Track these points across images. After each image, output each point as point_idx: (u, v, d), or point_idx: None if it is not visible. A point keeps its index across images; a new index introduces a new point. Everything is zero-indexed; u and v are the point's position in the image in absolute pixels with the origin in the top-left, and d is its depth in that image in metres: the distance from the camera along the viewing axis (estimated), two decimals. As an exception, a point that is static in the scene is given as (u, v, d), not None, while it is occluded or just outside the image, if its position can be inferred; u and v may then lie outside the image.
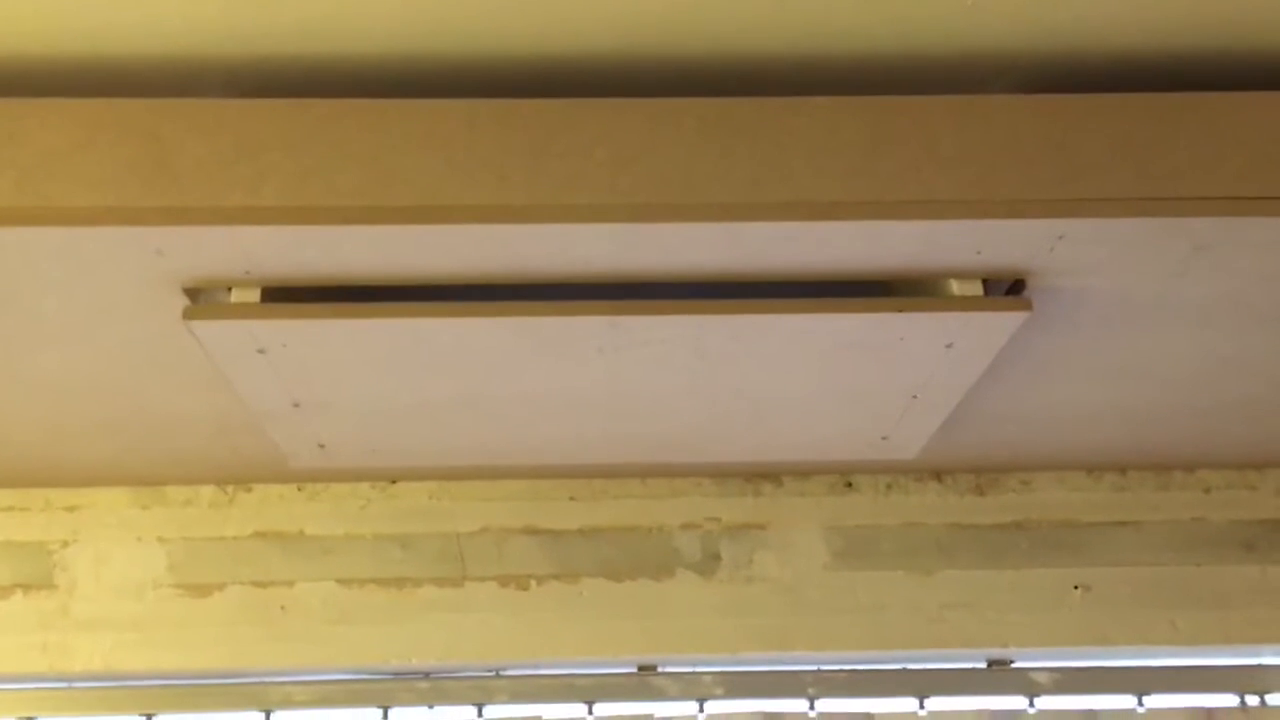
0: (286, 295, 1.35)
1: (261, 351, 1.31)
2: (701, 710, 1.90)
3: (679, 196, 1.26)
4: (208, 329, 1.27)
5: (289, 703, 1.88)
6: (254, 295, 1.30)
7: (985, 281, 1.37)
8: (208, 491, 1.96)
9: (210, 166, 1.24)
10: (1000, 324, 1.32)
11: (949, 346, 1.36)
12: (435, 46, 1.29)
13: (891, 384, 1.45)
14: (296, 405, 1.44)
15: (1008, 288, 1.40)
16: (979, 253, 1.30)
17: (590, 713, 1.89)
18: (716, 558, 1.95)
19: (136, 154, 1.24)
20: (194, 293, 1.35)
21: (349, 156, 1.25)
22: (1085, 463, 2.01)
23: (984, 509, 2.00)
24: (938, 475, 2.01)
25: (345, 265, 1.30)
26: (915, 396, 1.49)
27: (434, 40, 1.29)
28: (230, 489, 1.96)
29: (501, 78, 1.32)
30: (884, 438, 1.62)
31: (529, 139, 1.26)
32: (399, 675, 1.90)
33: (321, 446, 1.56)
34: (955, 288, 1.35)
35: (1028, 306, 1.31)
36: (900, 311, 1.30)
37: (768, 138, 1.28)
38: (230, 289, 1.33)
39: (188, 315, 1.26)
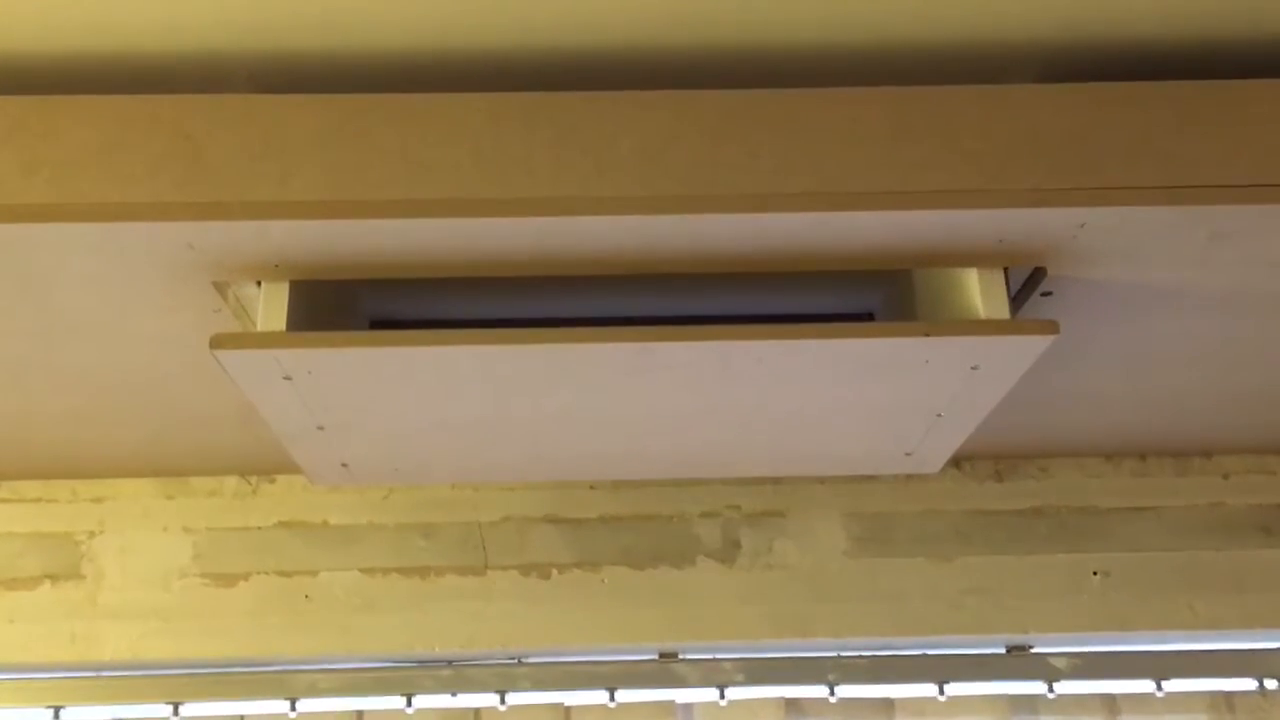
0: (314, 288, 1.36)
1: (288, 378, 1.32)
2: (723, 697, 1.90)
3: (703, 188, 1.26)
4: (235, 358, 1.28)
5: (314, 691, 1.89)
6: (283, 289, 1.31)
7: (1007, 270, 1.37)
8: (232, 482, 1.98)
9: (239, 161, 1.25)
10: (1027, 347, 1.32)
11: (975, 368, 1.36)
12: (460, 40, 1.30)
13: (916, 403, 1.45)
14: (321, 428, 1.45)
15: (1029, 275, 1.41)
16: (1000, 241, 1.31)
17: (612, 700, 1.90)
18: (737, 545, 1.96)
19: (167, 150, 1.25)
20: (223, 286, 1.37)
21: (376, 151, 1.26)
22: (1104, 449, 2.02)
23: (1003, 495, 2.01)
24: (956, 462, 2.01)
25: (373, 258, 1.31)
26: (940, 415, 1.49)
27: (459, 34, 1.29)
28: (254, 479, 1.98)
29: (527, 71, 1.33)
30: (907, 454, 1.62)
31: (554, 132, 1.27)
32: (422, 663, 1.91)
33: (344, 466, 1.57)
34: (977, 276, 1.35)
35: (1054, 330, 1.31)
36: (927, 336, 1.29)
37: (791, 129, 1.28)
38: (259, 282, 1.35)
39: (214, 345, 1.26)
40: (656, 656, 1.93)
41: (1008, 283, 1.37)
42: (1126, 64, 1.35)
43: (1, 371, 1.58)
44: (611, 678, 1.92)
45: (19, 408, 1.69)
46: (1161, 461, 2.03)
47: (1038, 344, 1.31)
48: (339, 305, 1.44)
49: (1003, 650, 1.96)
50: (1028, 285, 1.42)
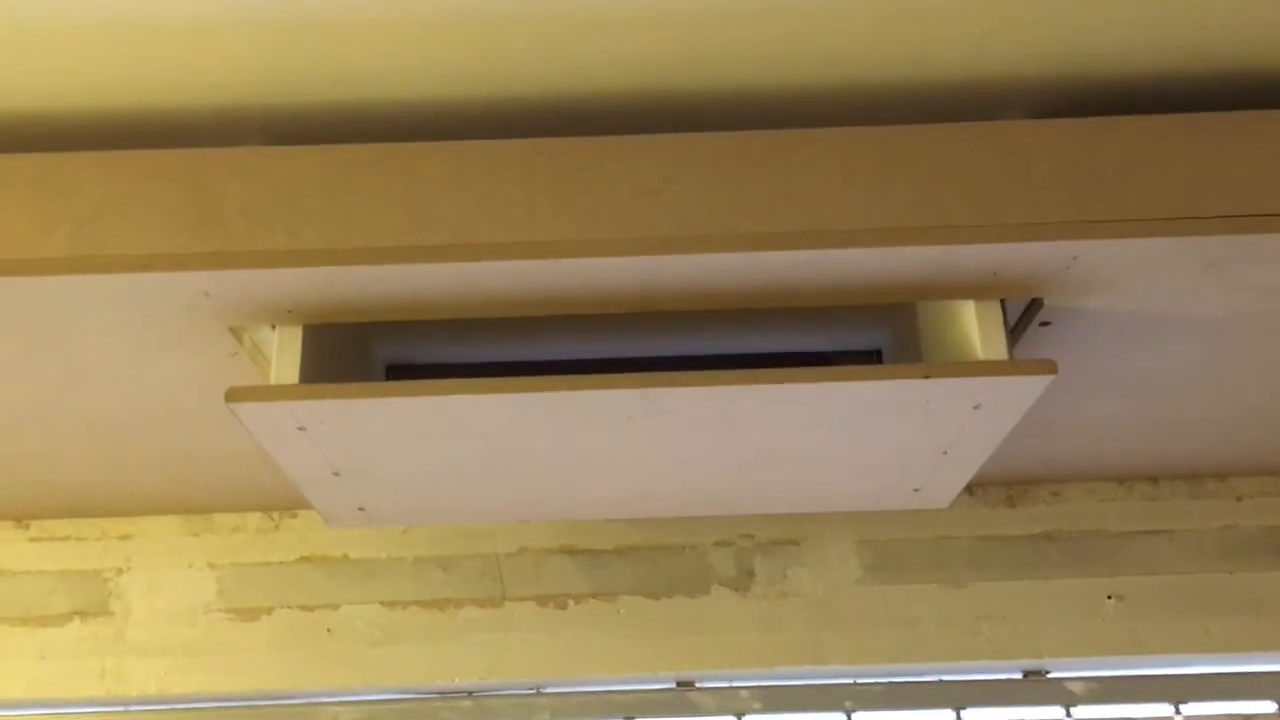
0: (328, 332, 1.40)
1: (302, 429, 1.35)
2: (740, 724, 1.92)
3: (701, 228, 1.29)
4: (250, 410, 1.31)
5: (337, 723, 1.93)
6: (296, 334, 1.35)
7: (1004, 301, 1.39)
8: (255, 518, 2.02)
9: (252, 212, 1.30)
10: (1026, 387, 1.33)
11: (976, 408, 1.37)
12: (461, 90, 1.34)
13: (921, 442, 1.47)
14: (336, 474, 1.48)
15: (1026, 306, 1.43)
16: (995, 274, 1.33)
17: (630, 728, 1.92)
18: (751, 574, 1.98)
19: (183, 202, 1.30)
20: (238, 330, 1.41)
21: (383, 199, 1.30)
22: (1116, 473, 2.02)
23: (1015, 520, 2.02)
24: (968, 488, 2.00)
25: (382, 302, 1.34)
26: (945, 453, 1.50)
27: (460, 84, 1.33)
28: (276, 515, 2.02)
29: (526, 118, 1.37)
30: (916, 490, 1.63)
31: (554, 177, 1.31)
32: (443, 694, 1.93)
33: (361, 510, 1.60)
34: (974, 309, 1.37)
35: (1052, 369, 1.32)
36: (927, 378, 1.31)
37: (785, 169, 1.31)
38: (274, 325, 1.39)
39: (230, 398, 1.30)
40: (674, 685, 1.94)
41: (1005, 314, 1.39)
42: (1114, 98, 1.37)
43: (30, 415, 1.63)
44: (630, 706, 1.93)
45: (47, 450, 1.74)
46: (1174, 484, 2.03)
47: (1037, 384, 1.33)
48: (353, 350, 1.48)
49: (1019, 675, 1.96)
50: (1026, 316, 1.44)
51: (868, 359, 1.59)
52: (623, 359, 1.53)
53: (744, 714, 1.92)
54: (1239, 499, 2.02)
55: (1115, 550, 1.99)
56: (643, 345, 1.53)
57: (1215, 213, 1.28)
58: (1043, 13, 1.26)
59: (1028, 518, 2.02)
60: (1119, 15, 1.27)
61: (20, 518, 2.00)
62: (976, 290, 1.35)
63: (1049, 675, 1.96)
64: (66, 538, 2.00)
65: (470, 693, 1.93)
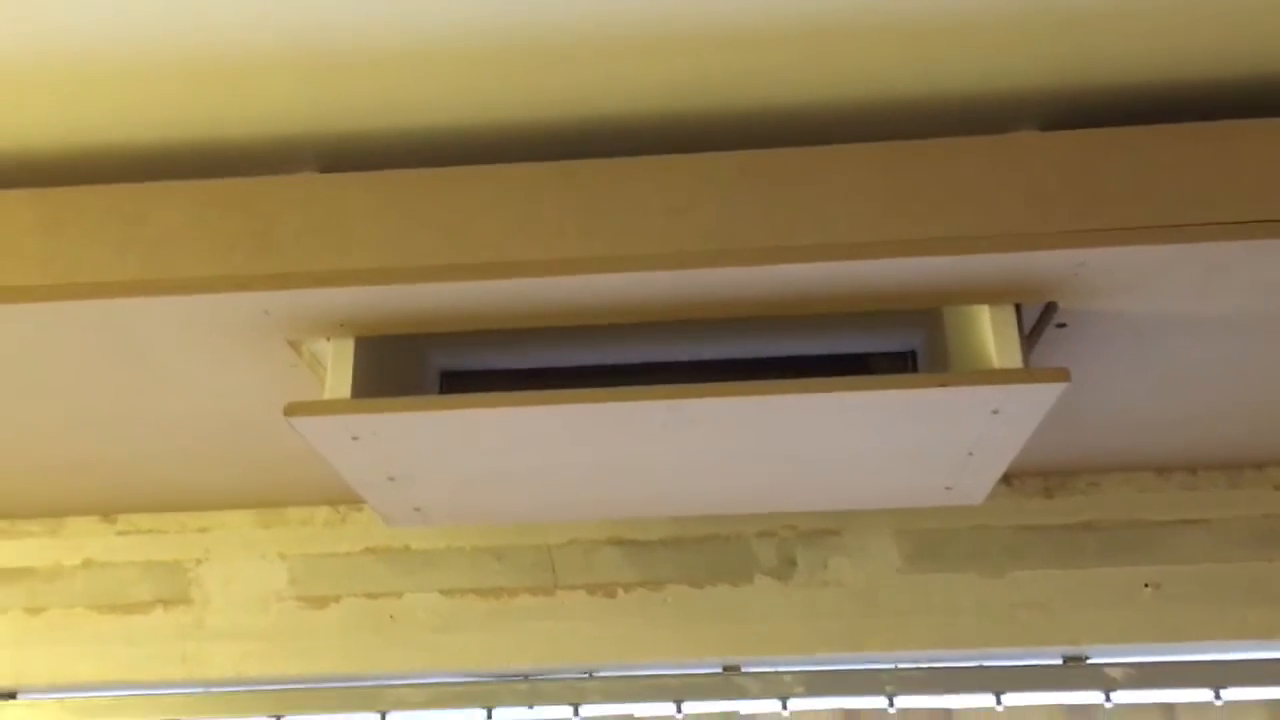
0: (382, 343, 1.50)
1: (355, 439, 1.44)
2: (784, 708, 1.98)
3: (725, 243, 1.36)
4: (307, 423, 1.41)
5: (402, 704, 2.02)
6: (348, 346, 1.45)
7: (1020, 305, 1.44)
8: (323, 512, 2.12)
9: (305, 235, 1.39)
10: (1040, 394, 1.37)
11: (995, 412, 1.42)
12: (497, 116, 1.41)
13: (946, 444, 1.51)
14: (391, 479, 1.56)
15: (1041, 310, 1.48)
16: (1006, 281, 1.38)
17: (679, 711, 1.99)
18: (793, 563, 2.04)
19: (242, 228, 1.39)
20: (296, 343, 1.51)
21: (425, 221, 1.38)
22: (1153, 463, 2.04)
23: (1053, 510, 2.05)
24: (1006, 479, 2.05)
25: (426, 315, 1.43)
26: (971, 454, 1.54)
27: (496, 111, 1.41)
28: (342, 509, 2.12)
29: (559, 141, 1.44)
30: (948, 488, 1.67)
31: (585, 197, 1.38)
32: (501, 678, 2.02)
33: (417, 510, 1.69)
34: (989, 314, 1.42)
35: (1065, 377, 1.36)
36: (944, 386, 1.36)
37: (805, 185, 1.37)
38: (329, 338, 1.49)
39: (288, 412, 1.39)
40: (720, 669, 2.01)
41: (1021, 317, 1.43)
42: (1122, 109, 1.40)
43: (114, 421, 1.75)
44: (678, 690, 2.00)
45: (129, 451, 1.86)
46: (1212, 474, 2.04)
47: (1050, 391, 1.37)
48: (408, 358, 1.56)
49: (1059, 661, 2.00)
50: (1043, 318, 1.48)
51: (902, 360, 1.63)
52: (665, 363, 1.60)
53: (788, 697, 1.99)
54: (1277, 488, 2.04)
55: (1153, 539, 2.01)
56: (686, 349, 1.59)
57: (1217, 219, 1.32)
58: (1050, 29, 1.30)
59: (1066, 508, 2.05)
60: (1123, 29, 1.30)
61: (108, 512, 2.14)
62: (989, 296, 1.40)
63: (1089, 661, 1.99)
64: (150, 531, 2.13)
65: (525, 676, 2.02)
